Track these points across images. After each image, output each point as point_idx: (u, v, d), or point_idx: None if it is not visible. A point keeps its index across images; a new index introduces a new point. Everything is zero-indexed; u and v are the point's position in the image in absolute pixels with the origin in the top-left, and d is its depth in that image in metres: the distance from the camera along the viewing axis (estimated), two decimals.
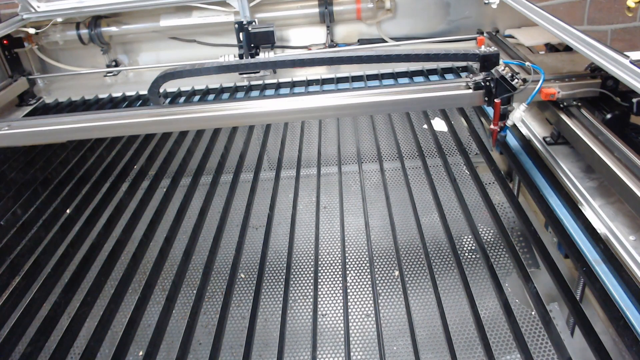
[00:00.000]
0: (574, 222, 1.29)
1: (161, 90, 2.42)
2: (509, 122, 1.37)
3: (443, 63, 2.35)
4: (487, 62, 1.36)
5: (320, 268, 1.91)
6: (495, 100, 1.33)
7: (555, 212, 1.34)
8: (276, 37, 2.39)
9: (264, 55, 2.39)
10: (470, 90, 1.38)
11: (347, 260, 1.91)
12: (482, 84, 1.36)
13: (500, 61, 1.36)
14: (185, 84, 2.45)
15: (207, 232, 1.62)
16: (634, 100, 1.30)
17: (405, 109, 1.90)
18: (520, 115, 1.37)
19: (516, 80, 1.31)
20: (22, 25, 2.47)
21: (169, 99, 2.38)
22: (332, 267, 1.92)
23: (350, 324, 1.67)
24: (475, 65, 2.26)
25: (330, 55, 1.41)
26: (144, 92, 2.46)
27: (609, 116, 1.36)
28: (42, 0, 2.45)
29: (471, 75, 1.40)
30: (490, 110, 1.92)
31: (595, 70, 1.46)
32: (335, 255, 1.96)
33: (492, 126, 1.39)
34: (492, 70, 1.35)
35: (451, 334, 1.19)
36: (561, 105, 1.46)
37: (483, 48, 1.40)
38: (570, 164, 1.40)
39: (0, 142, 1.56)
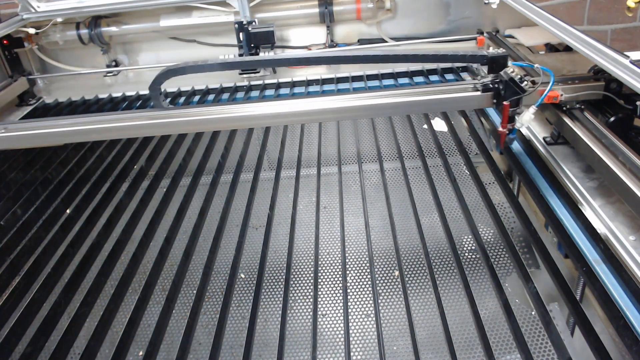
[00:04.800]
0: (574, 222, 1.29)
1: (161, 89, 2.44)
2: (517, 125, 1.34)
3: (443, 63, 2.35)
4: (495, 64, 1.34)
5: (320, 268, 1.91)
6: (504, 102, 1.31)
7: (555, 212, 1.34)
8: (276, 37, 2.39)
9: (264, 56, 2.40)
10: (479, 93, 1.36)
11: (347, 260, 1.91)
12: (491, 86, 1.34)
13: (509, 63, 1.35)
14: (185, 84, 2.45)
15: (207, 232, 1.62)
16: (638, 103, 1.30)
17: (410, 111, 1.87)
18: (529, 117, 1.34)
19: (525, 82, 1.29)
20: (22, 25, 2.47)
21: (168, 99, 2.38)
22: (332, 267, 1.92)
23: (350, 324, 1.67)
24: (476, 66, 2.27)
25: (337, 55, 1.39)
26: (144, 92, 2.46)
27: (612, 119, 1.36)
28: (42, 0, 2.45)
29: (479, 77, 1.38)
30: (491, 111, 1.93)
31: (598, 73, 1.45)
32: (335, 256, 1.96)
33: (500, 129, 1.36)
34: (502, 72, 1.32)
35: (451, 334, 1.19)
36: (564, 108, 1.45)
37: (491, 49, 1.39)
38: (570, 164, 1.40)
39: None
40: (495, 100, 1.35)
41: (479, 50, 1.39)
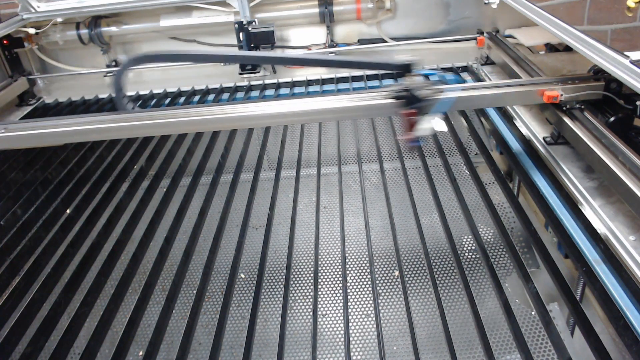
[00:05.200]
0: (574, 222, 1.29)
1: (161, 90, 2.44)
2: (417, 133, 1.33)
3: (443, 63, 2.35)
4: (401, 71, 1.37)
5: (320, 268, 1.92)
6: (403, 111, 1.32)
7: (555, 212, 1.34)
8: (276, 37, 2.39)
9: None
10: (390, 100, 1.38)
11: (347, 260, 1.91)
12: (399, 93, 1.35)
13: (416, 70, 1.36)
14: (185, 84, 2.46)
15: (207, 232, 1.62)
16: (638, 103, 1.30)
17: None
18: (429, 126, 1.33)
19: (426, 90, 1.31)
20: (22, 25, 2.47)
21: (168, 99, 2.38)
22: (332, 267, 1.92)
23: (350, 324, 1.67)
24: (476, 65, 2.27)
25: (265, 56, 1.39)
26: (144, 92, 2.46)
27: (612, 119, 1.36)
28: (42, 0, 2.45)
29: (395, 84, 1.40)
30: (491, 111, 1.93)
31: (598, 73, 1.45)
32: (335, 256, 1.96)
33: (400, 137, 1.36)
34: (405, 80, 1.35)
35: (451, 334, 1.19)
36: (564, 108, 1.45)
37: (405, 56, 1.40)
38: (570, 164, 1.40)
39: None
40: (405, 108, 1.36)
41: (394, 59, 1.41)
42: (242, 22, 2.36)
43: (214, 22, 2.54)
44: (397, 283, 1.81)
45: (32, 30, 2.54)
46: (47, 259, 1.49)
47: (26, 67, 2.70)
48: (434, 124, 1.32)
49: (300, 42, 2.71)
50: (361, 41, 2.68)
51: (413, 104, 1.31)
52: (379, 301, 1.74)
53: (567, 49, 1.93)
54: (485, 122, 1.91)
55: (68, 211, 1.67)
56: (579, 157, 1.42)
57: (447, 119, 2.04)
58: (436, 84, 1.35)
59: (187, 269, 1.47)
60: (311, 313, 1.62)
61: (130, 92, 2.47)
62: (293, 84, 2.39)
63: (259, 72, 2.47)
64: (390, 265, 1.88)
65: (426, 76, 1.40)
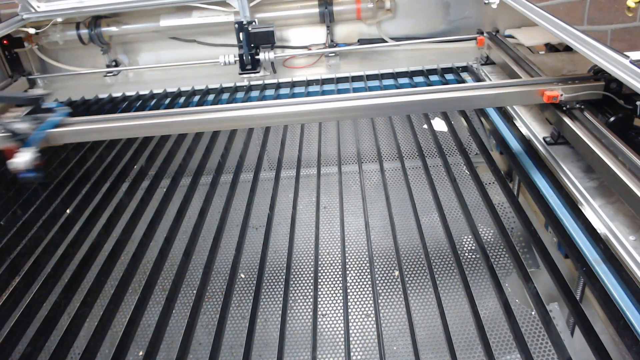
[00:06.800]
0: (574, 222, 1.29)
1: (161, 90, 2.44)
2: (12, 166, 1.33)
3: (443, 63, 2.35)
4: (30, 104, 1.41)
5: (320, 268, 1.92)
6: (2, 145, 1.35)
7: (555, 212, 1.34)
8: (276, 37, 2.39)
9: (264, 56, 2.40)
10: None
11: (347, 261, 1.91)
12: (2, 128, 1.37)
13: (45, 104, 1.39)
14: (185, 84, 2.46)
15: (207, 232, 1.62)
16: (638, 103, 1.30)
17: (408, 111, 1.85)
18: (24, 159, 1.33)
19: (24, 124, 1.34)
20: (22, 25, 2.47)
21: (168, 99, 2.38)
22: (332, 267, 1.92)
23: (350, 324, 1.67)
24: (476, 65, 2.27)
25: None
26: (144, 92, 2.46)
27: (612, 119, 1.36)
28: (42, 0, 2.45)
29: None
30: (491, 111, 1.93)
31: (598, 73, 1.45)
32: (335, 256, 1.96)
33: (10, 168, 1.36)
34: (6, 116, 1.38)
35: (451, 334, 1.19)
36: (564, 108, 1.45)
37: (38, 90, 1.42)
38: (570, 164, 1.40)
39: None
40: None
41: (25, 93, 1.40)
42: (242, 22, 2.36)
43: (214, 22, 2.54)
44: (397, 283, 1.81)
45: (32, 30, 2.54)
46: (47, 259, 1.49)
47: (26, 67, 2.70)
48: (29, 157, 1.34)
49: (300, 42, 2.71)
50: (361, 41, 2.68)
51: (11, 138, 1.35)
52: (379, 301, 1.74)
53: (567, 49, 1.93)
54: (485, 122, 1.91)
55: (68, 211, 1.67)
56: (579, 157, 1.42)
57: (447, 119, 2.04)
58: (37, 119, 1.39)
59: (187, 269, 1.47)
60: (311, 313, 1.62)
61: (131, 92, 2.47)
62: (293, 84, 2.39)
63: (258, 72, 2.47)
64: (390, 265, 1.88)
65: (51, 109, 1.43)
